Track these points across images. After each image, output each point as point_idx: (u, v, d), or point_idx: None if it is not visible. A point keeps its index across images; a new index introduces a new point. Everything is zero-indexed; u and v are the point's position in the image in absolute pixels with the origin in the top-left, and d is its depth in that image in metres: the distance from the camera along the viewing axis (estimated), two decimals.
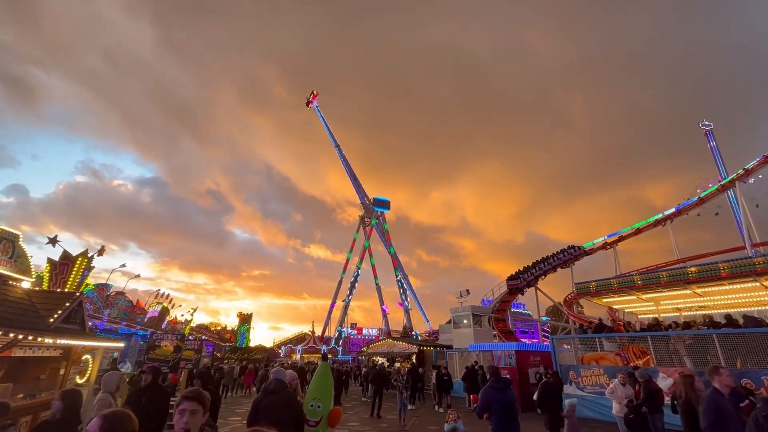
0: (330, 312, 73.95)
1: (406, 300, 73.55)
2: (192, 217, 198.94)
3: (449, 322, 36.70)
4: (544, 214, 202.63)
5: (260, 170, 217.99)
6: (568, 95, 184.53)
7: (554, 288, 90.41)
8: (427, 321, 72.56)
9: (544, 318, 58.77)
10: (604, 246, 49.47)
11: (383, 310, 74.18)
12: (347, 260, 78.79)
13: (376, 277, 78.07)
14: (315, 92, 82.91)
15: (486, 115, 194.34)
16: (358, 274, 74.55)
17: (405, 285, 75.28)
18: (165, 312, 51.44)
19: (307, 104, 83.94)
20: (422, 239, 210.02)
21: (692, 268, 25.07)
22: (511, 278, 46.06)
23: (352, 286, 73.56)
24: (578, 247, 48.96)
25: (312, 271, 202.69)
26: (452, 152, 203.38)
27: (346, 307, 72.20)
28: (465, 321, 33.45)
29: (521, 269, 46.63)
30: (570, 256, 47.83)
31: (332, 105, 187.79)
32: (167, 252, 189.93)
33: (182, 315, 55.45)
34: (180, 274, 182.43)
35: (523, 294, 46.42)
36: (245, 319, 68.83)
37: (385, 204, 79.77)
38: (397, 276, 75.95)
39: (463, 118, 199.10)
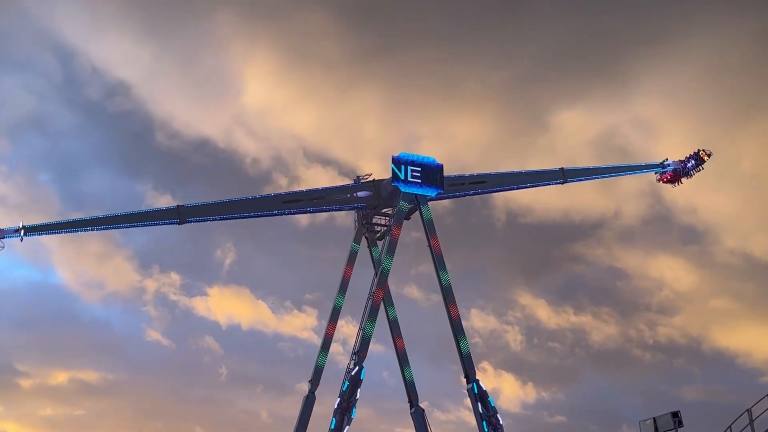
0: None
1: None
2: None
3: None
4: None
5: (45, 56, 72.20)
6: None
7: None
8: None
9: None
10: None
11: None
12: (333, 315, 32.06)
13: (404, 364, 31.80)
14: None
15: None
16: (360, 369, 28.00)
17: (485, 394, 28.94)
18: None
19: None
20: (535, 254, 79.01)
21: None
22: None
23: (345, 416, 27.39)
24: None
25: (220, 363, 73.06)
26: None
27: None
28: None
29: None
30: None
31: None
32: None
33: None
34: None
35: None
36: None
37: (430, 174, 29.63)
38: (464, 360, 29.31)
39: None
